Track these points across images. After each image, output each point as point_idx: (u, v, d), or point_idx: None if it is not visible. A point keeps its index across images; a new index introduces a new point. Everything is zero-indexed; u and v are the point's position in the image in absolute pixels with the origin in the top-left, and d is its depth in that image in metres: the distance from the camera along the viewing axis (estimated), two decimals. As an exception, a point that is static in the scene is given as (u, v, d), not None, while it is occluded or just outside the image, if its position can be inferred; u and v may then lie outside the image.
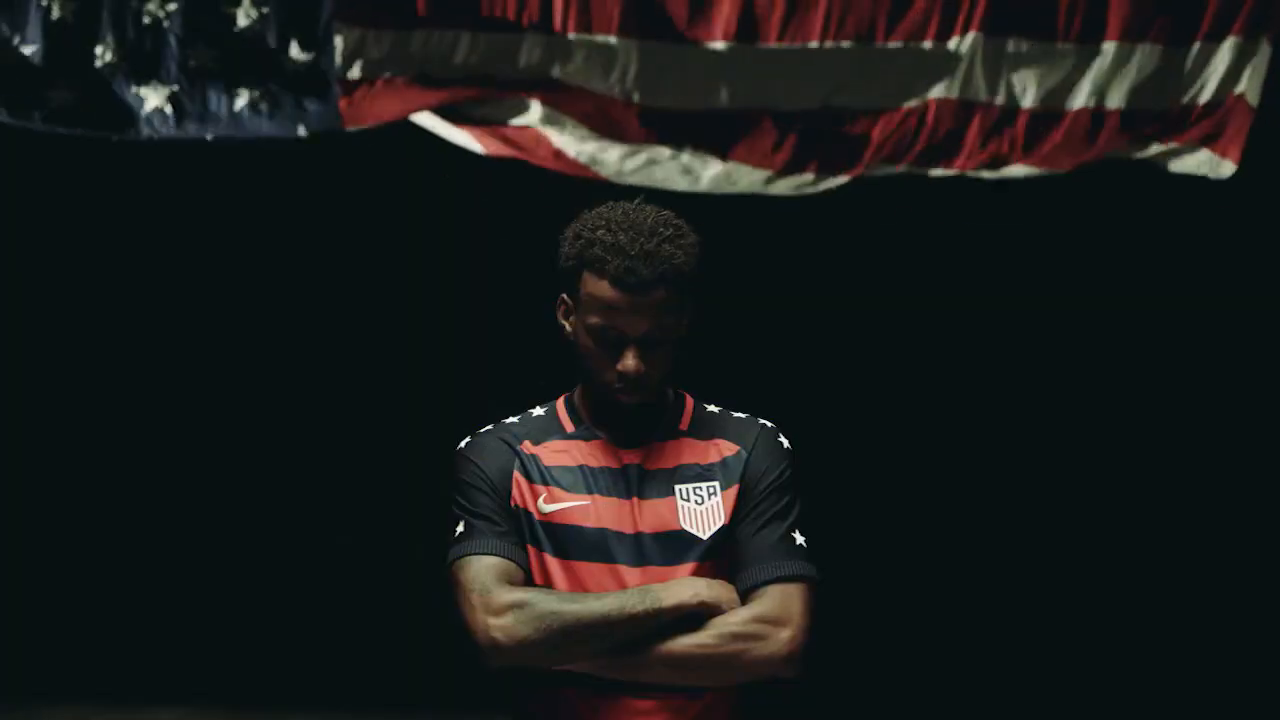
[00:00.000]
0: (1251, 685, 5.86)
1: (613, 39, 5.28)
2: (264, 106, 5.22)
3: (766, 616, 2.48)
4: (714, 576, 2.52)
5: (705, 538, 2.54)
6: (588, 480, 2.57)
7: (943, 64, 5.28)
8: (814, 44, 5.30)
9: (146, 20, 5.20)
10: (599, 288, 2.50)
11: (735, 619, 2.47)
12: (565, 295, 2.59)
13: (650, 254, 2.48)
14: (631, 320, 2.50)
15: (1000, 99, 5.30)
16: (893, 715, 5.86)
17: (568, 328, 2.60)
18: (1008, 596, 6.16)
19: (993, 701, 5.88)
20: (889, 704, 5.89)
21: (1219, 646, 6.04)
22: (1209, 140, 5.27)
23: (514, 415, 2.69)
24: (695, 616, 2.46)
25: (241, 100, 5.22)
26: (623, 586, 2.50)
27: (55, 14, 5.18)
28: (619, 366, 2.51)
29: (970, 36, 5.26)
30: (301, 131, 5.25)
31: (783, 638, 2.48)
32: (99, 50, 5.19)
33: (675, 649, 2.45)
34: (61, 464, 6.47)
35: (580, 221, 2.58)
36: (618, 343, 2.51)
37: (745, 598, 2.50)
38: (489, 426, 2.67)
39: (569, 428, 2.63)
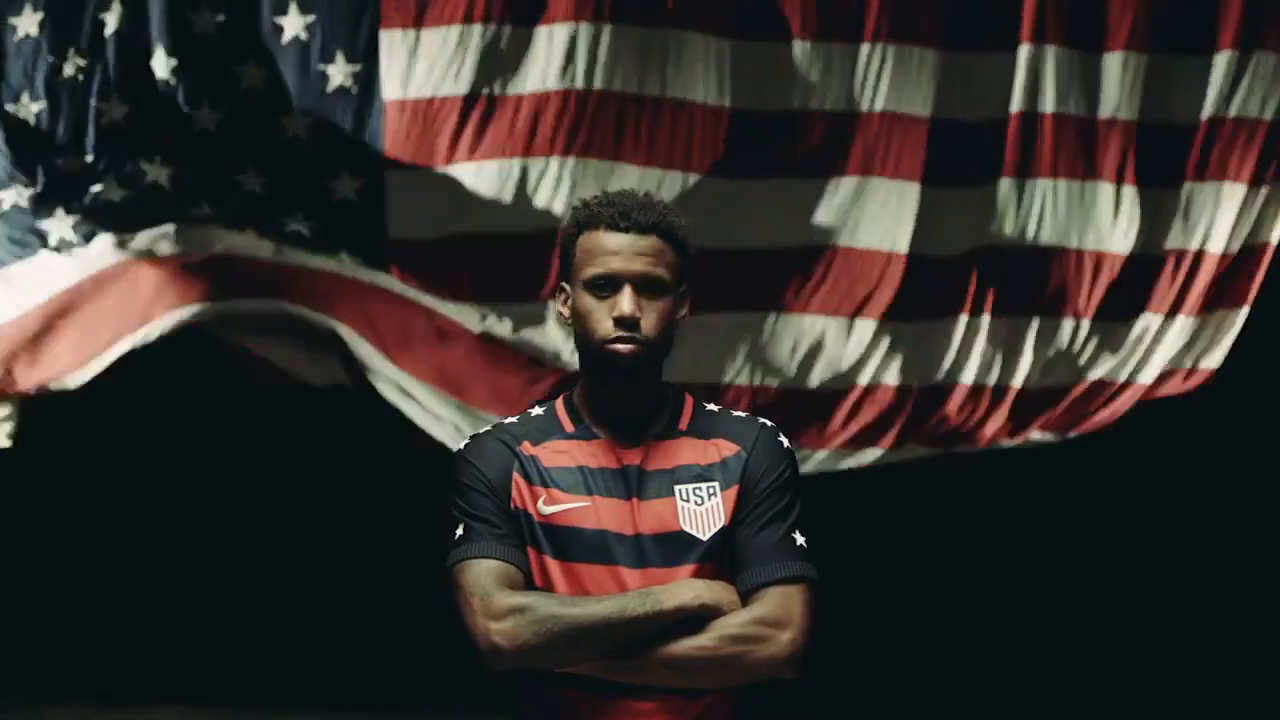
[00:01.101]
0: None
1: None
2: (306, 137, 5.18)
3: (767, 618, 2.48)
4: (714, 577, 2.51)
5: (705, 539, 2.54)
6: (587, 481, 2.56)
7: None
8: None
9: (196, 32, 5.15)
10: (595, 238, 2.57)
11: (736, 621, 2.47)
12: (563, 282, 2.63)
13: (645, 206, 2.59)
14: (628, 262, 2.55)
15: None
16: (893, 715, 5.86)
17: (565, 313, 2.63)
18: (1008, 595, 6.16)
19: (992, 701, 5.87)
20: (889, 704, 5.89)
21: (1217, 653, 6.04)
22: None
23: (513, 416, 2.69)
24: (696, 618, 2.46)
25: (289, 132, 5.18)
26: (623, 588, 2.49)
27: (110, 26, 5.15)
28: (615, 313, 2.53)
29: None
30: (343, 180, 5.22)
31: (784, 639, 2.48)
32: (152, 65, 5.14)
33: (676, 651, 2.45)
34: (61, 462, 6.46)
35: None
36: (614, 288, 2.54)
37: (746, 599, 2.50)
38: (488, 427, 2.67)
39: (568, 427, 2.63)
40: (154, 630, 6.17)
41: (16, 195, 5.22)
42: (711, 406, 2.70)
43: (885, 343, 5.36)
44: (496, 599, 2.47)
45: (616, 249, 2.55)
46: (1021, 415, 5.41)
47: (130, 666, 5.92)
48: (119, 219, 5.23)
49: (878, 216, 5.32)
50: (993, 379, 5.40)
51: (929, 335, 5.39)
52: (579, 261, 2.59)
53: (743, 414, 2.69)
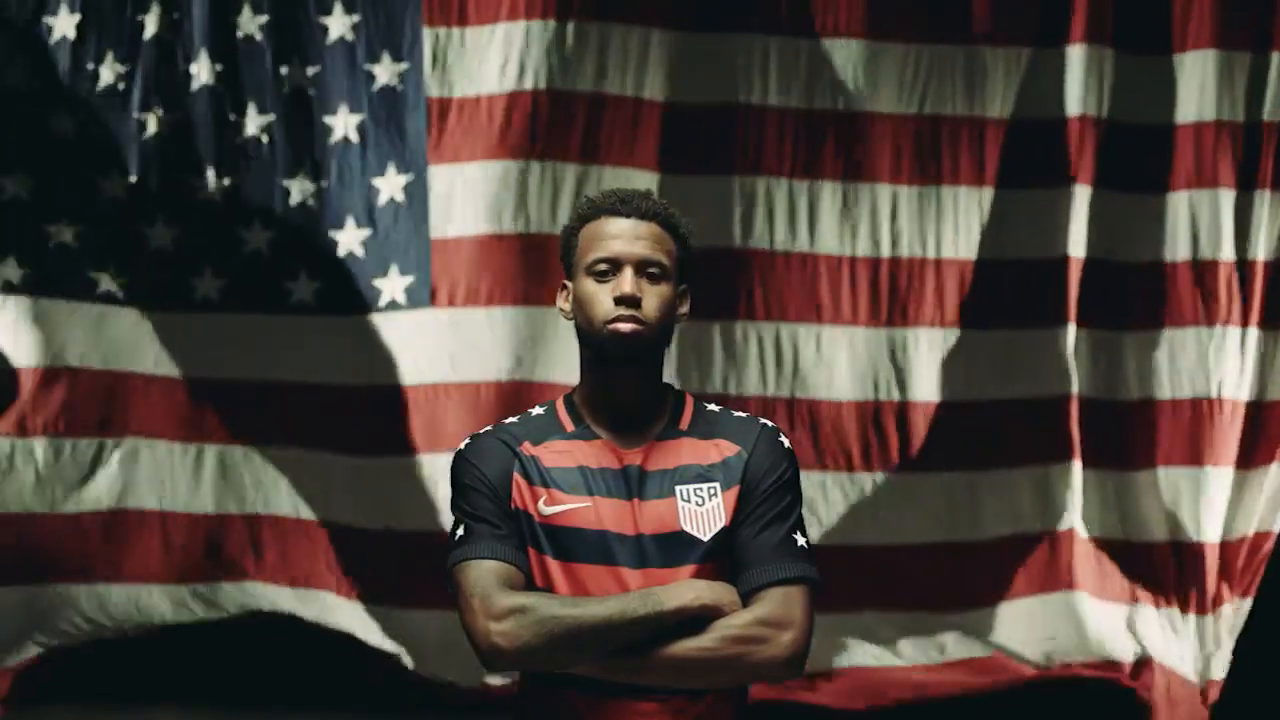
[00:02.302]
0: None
1: None
2: (356, 138, 5.17)
3: (768, 619, 2.48)
4: (715, 578, 2.52)
5: (706, 539, 2.54)
6: (588, 481, 2.57)
7: None
8: None
9: (240, 35, 5.14)
10: (595, 227, 2.62)
11: (737, 621, 2.47)
12: (565, 280, 2.66)
13: (644, 195, 2.65)
14: (629, 245, 2.58)
15: None
16: (893, 715, 5.85)
17: (567, 309, 2.65)
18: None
19: (993, 701, 5.87)
20: (889, 705, 5.88)
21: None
22: None
23: (513, 416, 2.69)
24: (697, 619, 2.46)
25: (336, 134, 5.17)
26: (624, 588, 2.50)
27: (149, 30, 5.12)
28: (616, 293, 2.55)
29: None
30: (390, 177, 5.20)
31: (785, 640, 2.48)
32: (194, 70, 5.11)
33: (677, 652, 2.45)
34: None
35: None
36: (616, 271, 2.58)
37: (747, 600, 2.51)
38: (488, 427, 2.68)
39: (569, 427, 2.63)
40: (154, 630, 6.16)
41: (63, 231, 5.15)
42: (712, 407, 2.70)
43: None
44: (497, 599, 2.47)
45: (618, 233, 2.59)
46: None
47: (130, 666, 5.91)
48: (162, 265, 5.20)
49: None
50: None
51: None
52: (581, 251, 2.62)
53: (743, 414, 2.69)
